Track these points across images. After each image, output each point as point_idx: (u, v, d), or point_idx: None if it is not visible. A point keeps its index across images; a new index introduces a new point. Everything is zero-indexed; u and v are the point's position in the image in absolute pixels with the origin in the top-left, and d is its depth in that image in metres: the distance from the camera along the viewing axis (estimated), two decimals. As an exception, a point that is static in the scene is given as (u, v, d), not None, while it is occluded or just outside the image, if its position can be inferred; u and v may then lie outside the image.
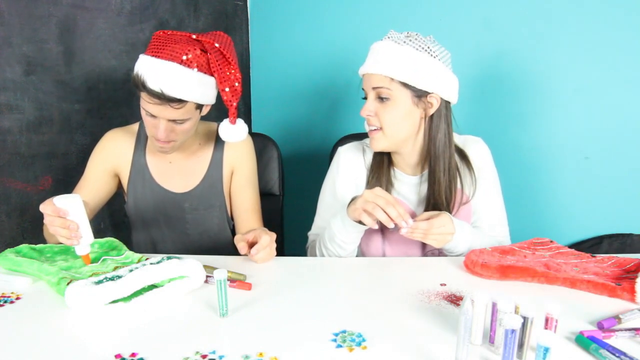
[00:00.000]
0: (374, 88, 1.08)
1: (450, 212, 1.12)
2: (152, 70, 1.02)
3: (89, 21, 1.42)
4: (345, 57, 1.91)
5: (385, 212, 0.95)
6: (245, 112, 2.15)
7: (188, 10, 1.78)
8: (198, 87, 1.05)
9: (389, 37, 1.08)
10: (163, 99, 1.02)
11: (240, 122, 1.16)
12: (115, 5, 1.49)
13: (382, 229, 1.15)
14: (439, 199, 1.11)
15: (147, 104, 1.05)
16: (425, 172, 1.16)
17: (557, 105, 1.64)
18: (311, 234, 1.27)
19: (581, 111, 1.62)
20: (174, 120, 1.08)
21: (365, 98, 1.11)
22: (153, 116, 1.07)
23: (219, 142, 1.27)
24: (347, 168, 1.20)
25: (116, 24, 1.50)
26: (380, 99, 1.08)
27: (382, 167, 1.17)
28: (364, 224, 1.03)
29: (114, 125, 1.31)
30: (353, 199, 1.03)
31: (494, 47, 1.67)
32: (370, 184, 1.16)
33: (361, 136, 1.51)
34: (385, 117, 1.08)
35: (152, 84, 1.01)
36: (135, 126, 1.27)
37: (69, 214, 0.87)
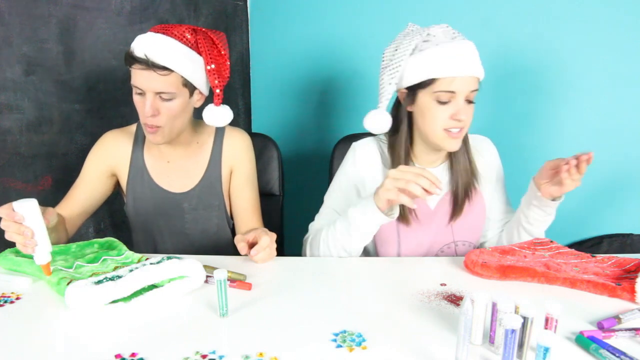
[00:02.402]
0: (472, 91, 1.04)
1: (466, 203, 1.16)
2: (140, 41, 1.07)
3: (89, 21, 1.42)
4: (346, 57, 1.91)
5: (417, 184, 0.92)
6: (245, 112, 2.15)
7: (188, 10, 1.78)
8: (184, 60, 1.08)
9: (460, 35, 1.04)
10: (148, 64, 1.04)
11: (225, 107, 1.16)
12: (115, 5, 1.49)
13: (398, 231, 1.15)
14: (461, 187, 1.14)
15: (135, 76, 1.08)
16: (443, 164, 1.18)
17: (558, 105, 1.64)
18: (313, 226, 1.23)
19: (581, 111, 1.62)
20: (159, 95, 1.09)
21: (445, 102, 1.04)
22: (141, 93, 1.09)
23: (217, 142, 1.27)
24: (364, 163, 1.17)
25: (116, 24, 1.50)
26: (468, 101, 1.05)
27: (400, 162, 1.14)
28: (387, 216, 0.99)
29: (114, 125, 1.31)
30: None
31: (494, 47, 1.67)
32: None
33: (361, 136, 1.50)
34: (469, 118, 1.06)
35: (139, 51, 1.05)
36: (133, 127, 1.27)
37: (24, 219, 0.82)
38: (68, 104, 1.40)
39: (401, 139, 1.13)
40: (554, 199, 1.08)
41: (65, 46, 1.37)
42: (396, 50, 1.06)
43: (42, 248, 0.84)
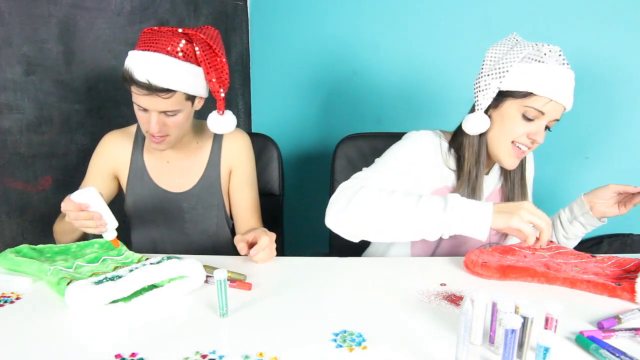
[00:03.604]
0: (555, 120, 1.04)
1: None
2: (138, 62, 1.03)
3: (89, 21, 1.42)
4: (346, 57, 1.91)
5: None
6: (245, 112, 2.15)
7: (188, 10, 1.78)
8: (185, 77, 1.06)
9: (567, 62, 1.03)
10: (151, 89, 1.03)
11: (228, 113, 1.15)
12: (115, 5, 1.49)
13: None
14: (514, 193, 1.17)
15: (137, 97, 1.06)
16: (493, 170, 1.19)
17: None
18: (350, 181, 1.06)
19: (581, 111, 1.61)
20: (164, 113, 1.08)
21: (529, 119, 1.04)
22: (144, 110, 1.08)
23: (216, 142, 1.28)
24: (427, 153, 1.12)
25: (116, 24, 1.50)
26: (546, 127, 1.05)
27: (478, 171, 1.11)
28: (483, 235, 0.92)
29: (114, 125, 1.31)
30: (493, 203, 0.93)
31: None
32: (462, 185, 1.11)
33: (362, 136, 1.51)
34: (540, 143, 1.06)
35: (139, 75, 1.02)
36: (133, 127, 1.27)
37: (89, 206, 0.94)
38: (68, 104, 1.40)
39: (484, 140, 1.11)
40: (600, 219, 1.14)
41: (65, 46, 1.37)
42: (506, 54, 1.05)
43: (111, 225, 0.97)
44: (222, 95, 1.11)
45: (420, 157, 1.11)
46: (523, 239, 0.91)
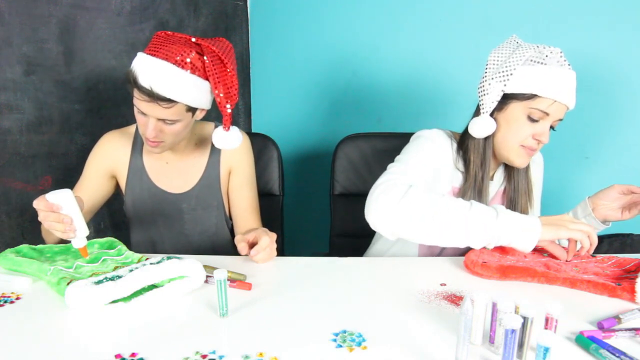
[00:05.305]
0: (559, 119, 1.06)
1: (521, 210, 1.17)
2: (145, 67, 1.02)
3: (89, 21, 1.42)
4: (346, 57, 1.91)
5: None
6: (245, 112, 2.15)
7: (188, 10, 1.78)
8: (190, 89, 1.04)
9: (567, 63, 1.04)
10: (152, 96, 1.02)
11: (234, 129, 1.13)
12: (115, 5, 1.49)
13: None
14: (519, 196, 1.17)
15: (138, 101, 1.06)
16: (497, 173, 1.19)
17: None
18: (391, 176, 1.04)
19: (581, 111, 1.61)
20: (163, 120, 1.07)
21: (534, 121, 1.05)
22: (143, 114, 1.07)
23: None
24: (441, 154, 1.13)
25: (116, 24, 1.50)
26: (550, 127, 1.07)
27: (484, 174, 1.12)
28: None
29: (113, 125, 1.31)
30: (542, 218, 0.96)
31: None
32: (469, 188, 1.12)
33: (363, 136, 1.51)
34: (546, 143, 1.07)
35: (143, 80, 1.01)
36: (132, 128, 1.27)
37: (62, 208, 0.89)
38: (68, 104, 1.40)
39: (490, 143, 1.12)
40: (603, 222, 1.13)
41: (65, 46, 1.37)
42: (509, 57, 1.05)
43: (80, 233, 0.91)
44: (229, 110, 1.09)
45: (437, 156, 1.13)
46: (570, 249, 0.98)
